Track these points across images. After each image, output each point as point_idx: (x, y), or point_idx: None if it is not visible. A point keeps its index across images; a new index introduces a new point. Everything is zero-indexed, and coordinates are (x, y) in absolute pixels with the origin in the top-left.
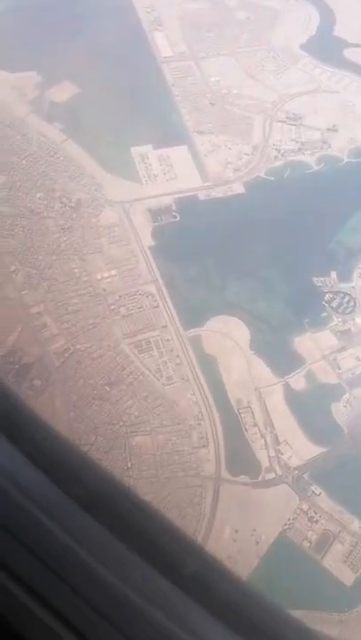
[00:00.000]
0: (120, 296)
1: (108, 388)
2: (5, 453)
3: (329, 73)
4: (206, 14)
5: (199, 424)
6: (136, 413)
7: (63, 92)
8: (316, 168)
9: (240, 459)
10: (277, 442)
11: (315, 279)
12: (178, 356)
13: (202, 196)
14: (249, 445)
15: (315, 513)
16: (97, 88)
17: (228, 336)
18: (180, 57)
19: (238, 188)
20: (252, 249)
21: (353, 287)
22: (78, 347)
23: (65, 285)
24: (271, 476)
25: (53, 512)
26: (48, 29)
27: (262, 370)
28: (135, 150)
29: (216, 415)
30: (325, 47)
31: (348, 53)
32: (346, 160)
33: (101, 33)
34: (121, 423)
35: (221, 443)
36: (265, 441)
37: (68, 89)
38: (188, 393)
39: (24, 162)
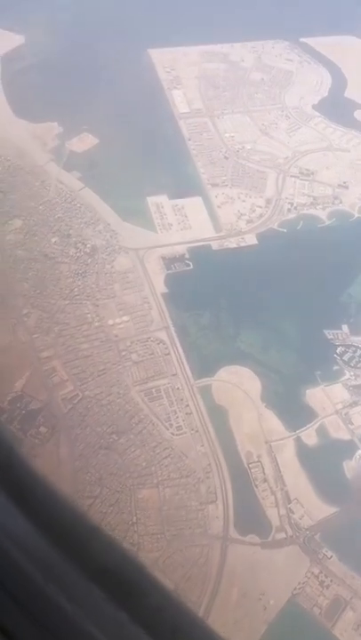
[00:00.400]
0: (131, 342)
1: (115, 437)
2: (6, 512)
3: (340, 132)
4: (223, 74)
5: (208, 477)
6: (144, 464)
7: (83, 143)
8: (327, 222)
9: (249, 516)
10: (288, 499)
11: (326, 331)
12: (188, 406)
13: (215, 245)
14: (259, 502)
15: (326, 577)
16: (116, 140)
17: (239, 386)
18: (196, 113)
19: (251, 240)
20: (264, 299)
21: None
22: (87, 393)
23: (76, 330)
24: (282, 536)
25: (54, 577)
26: (71, 84)
27: (273, 422)
28: (151, 200)
29: (225, 468)
30: (337, 108)
31: (359, 114)
32: (356, 215)
33: (122, 89)
34: (128, 475)
35: (230, 498)
36: (275, 498)
37: (88, 140)
38: (197, 444)
39: (41, 207)
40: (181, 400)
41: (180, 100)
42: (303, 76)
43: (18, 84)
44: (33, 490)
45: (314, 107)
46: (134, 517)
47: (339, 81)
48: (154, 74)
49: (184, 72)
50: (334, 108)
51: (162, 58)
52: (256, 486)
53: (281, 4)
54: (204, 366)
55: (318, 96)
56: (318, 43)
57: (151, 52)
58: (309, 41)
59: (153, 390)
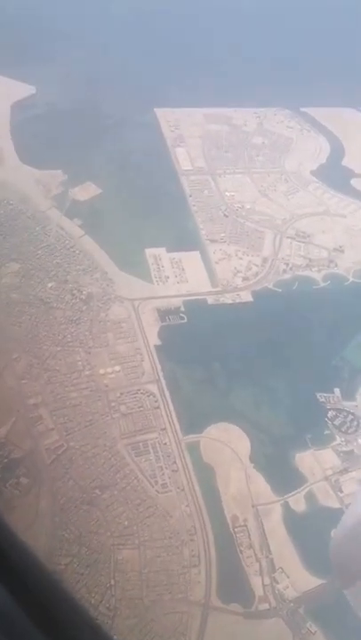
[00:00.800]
0: (121, 393)
1: (98, 492)
2: None
3: (337, 199)
4: (225, 136)
5: (192, 540)
6: (126, 523)
7: (85, 192)
8: (322, 284)
9: (232, 584)
10: (273, 568)
11: (318, 394)
12: (175, 462)
13: (210, 300)
14: (243, 569)
15: None
16: (118, 191)
17: (228, 445)
18: (198, 171)
19: (246, 297)
20: (257, 357)
21: (356, 406)
22: (72, 444)
23: (66, 378)
24: (265, 606)
25: None
26: (78, 135)
27: (261, 485)
28: (149, 252)
29: (210, 531)
30: (334, 175)
31: (355, 182)
32: (351, 280)
33: (127, 143)
34: (108, 533)
35: (214, 563)
36: (260, 566)
37: (91, 189)
38: (182, 504)
39: (40, 252)
40: (169, 456)
41: (183, 158)
42: (303, 143)
43: (26, 131)
44: (5, 551)
45: (312, 172)
46: (112, 580)
47: (337, 150)
48: (158, 131)
49: (188, 131)
50: (332, 175)
51: (167, 117)
52: (241, 552)
53: (284, 74)
54: (194, 422)
55: (317, 163)
56: (318, 113)
57: (157, 111)
58: (310, 110)
59: (140, 444)
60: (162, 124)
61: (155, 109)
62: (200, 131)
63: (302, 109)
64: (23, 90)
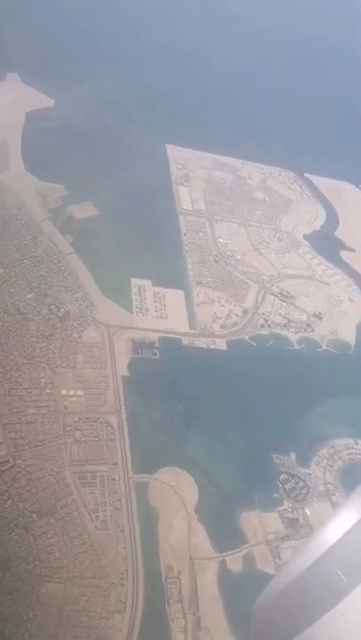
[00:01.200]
0: (79, 418)
1: (35, 517)
2: None
3: (324, 266)
4: (229, 185)
5: (121, 584)
6: (57, 554)
7: (83, 211)
8: (296, 347)
9: (155, 638)
10: (199, 627)
11: (274, 455)
12: (120, 500)
13: (185, 341)
14: (168, 624)
15: None
16: (115, 217)
17: (177, 492)
18: (197, 213)
19: (221, 344)
20: (221, 406)
21: (309, 474)
22: (19, 462)
23: (27, 392)
24: None
25: None
26: (86, 154)
27: (202, 539)
28: (135, 281)
29: (142, 578)
30: (326, 243)
31: (344, 255)
32: (324, 348)
33: (134, 172)
34: (37, 562)
35: (139, 613)
36: (186, 622)
37: (89, 210)
38: (119, 545)
39: (26, 261)
40: (115, 492)
41: (185, 197)
42: (301, 206)
43: (36, 141)
44: None
45: (305, 236)
46: (31, 612)
47: (332, 220)
48: (166, 166)
49: (194, 173)
50: (324, 243)
51: (177, 154)
52: (169, 605)
53: (296, 138)
54: (147, 462)
55: (311, 228)
56: (320, 182)
57: (168, 147)
58: (313, 178)
59: (88, 475)
60: (171, 161)
61: (167, 145)
62: (206, 174)
63: (306, 175)
64: (42, 101)
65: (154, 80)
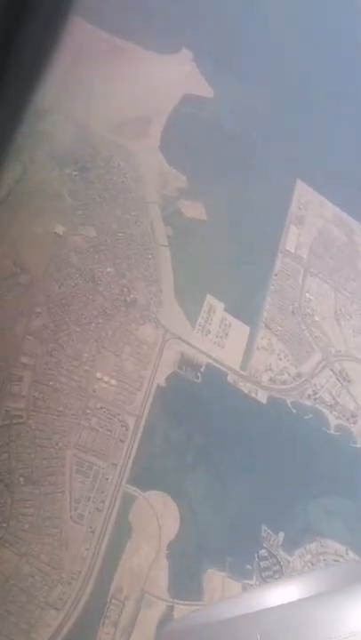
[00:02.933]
0: (102, 407)
1: (22, 481)
2: None
3: None
4: (339, 244)
5: (69, 583)
6: (26, 527)
7: (192, 210)
8: (332, 432)
9: None
10: None
11: (264, 526)
12: (103, 502)
13: (231, 378)
14: None
15: None
16: (220, 228)
17: (158, 518)
18: (296, 258)
19: (262, 397)
20: (237, 455)
21: (288, 561)
22: (31, 422)
23: (67, 360)
24: None
25: None
26: (219, 158)
27: (162, 576)
28: (210, 299)
29: (90, 587)
30: None
31: None
32: (357, 446)
33: (256, 193)
34: (4, 525)
35: (73, 619)
36: None
37: (198, 211)
38: (84, 544)
39: (120, 235)
40: (102, 492)
41: (293, 238)
42: None
43: (181, 125)
44: None
45: None
46: None
47: None
48: (288, 200)
49: (311, 218)
50: None
51: (303, 193)
52: (103, 624)
53: None
54: (144, 476)
55: None
56: None
57: (299, 183)
58: None
59: (86, 464)
60: (294, 197)
61: (298, 180)
62: (321, 224)
63: None
64: (202, 88)
65: (325, 112)
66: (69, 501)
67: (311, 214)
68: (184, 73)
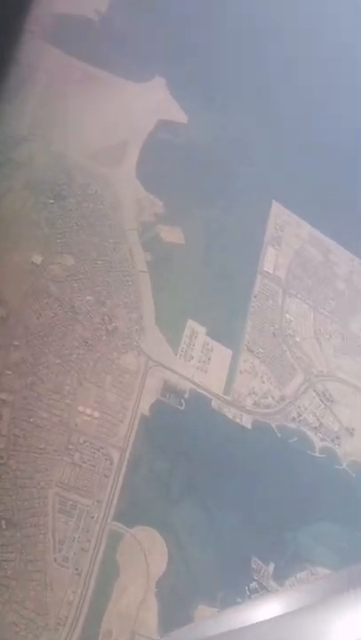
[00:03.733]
0: (85, 441)
1: (4, 525)
2: None
3: None
4: (316, 264)
5: (56, 629)
6: (9, 572)
7: (171, 235)
8: (317, 454)
9: None
10: None
11: (254, 558)
12: (89, 542)
13: (215, 404)
14: None
15: None
16: (198, 252)
17: (146, 556)
18: (275, 279)
19: (247, 421)
20: (224, 484)
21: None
22: (12, 462)
23: (47, 394)
24: None
25: None
26: (196, 181)
27: (151, 616)
28: (191, 323)
29: (78, 632)
30: None
31: None
32: (344, 467)
33: (233, 214)
34: None
35: None
36: None
37: (177, 235)
38: (70, 587)
39: (99, 262)
40: (87, 532)
41: (270, 259)
42: None
43: (156, 151)
44: None
45: None
46: None
47: None
48: (265, 222)
49: (288, 239)
50: None
51: (279, 214)
52: None
53: None
54: (130, 511)
55: None
56: None
57: (275, 204)
58: None
59: (69, 503)
60: (271, 218)
61: (273, 201)
62: (298, 245)
63: None
64: (177, 114)
65: (297, 135)
66: (53, 543)
67: (288, 235)
68: (158, 99)
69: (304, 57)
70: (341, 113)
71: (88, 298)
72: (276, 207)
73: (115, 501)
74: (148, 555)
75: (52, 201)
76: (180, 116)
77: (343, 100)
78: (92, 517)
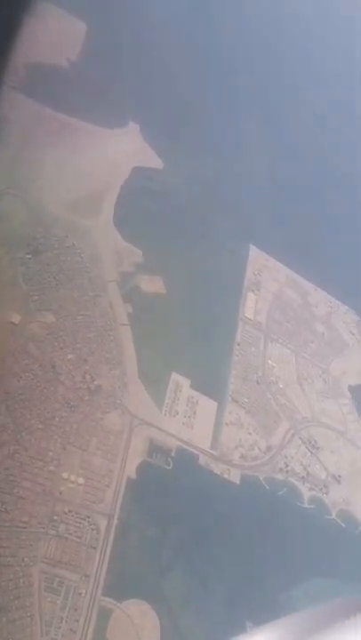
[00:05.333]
0: (70, 510)
1: None
2: None
3: (358, 425)
4: (295, 307)
5: None
6: None
7: (151, 285)
8: (306, 505)
9: None
10: None
11: (248, 623)
12: (77, 621)
13: (202, 460)
14: None
15: None
16: (180, 301)
17: (137, 631)
18: (256, 325)
19: (235, 477)
20: (214, 545)
21: None
22: None
23: (30, 462)
24: None
25: None
26: (174, 229)
27: None
28: (175, 376)
29: None
30: None
31: None
32: (333, 517)
33: (212, 261)
34: None
35: None
36: None
37: (157, 285)
38: None
39: (80, 318)
40: (75, 610)
41: (251, 305)
42: (354, 354)
43: (133, 199)
44: None
45: (350, 388)
46: None
47: None
48: (243, 266)
49: (266, 283)
50: None
51: (257, 259)
52: None
53: None
54: (120, 584)
55: (358, 380)
56: None
57: (252, 248)
58: None
59: (56, 580)
60: (249, 263)
61: (251, 245)
62: (277, 288)
63: None
64: (152, 160)
65: (272, 179)
66: (40, 625)
67: (266, 278)
68: (133, 146)
69: (275, 100)
70: (314, 154)
71: (69, 356)
72: (253, 251)
73: (103, 574)
74: (139, 630)
75: (29, 256)
76: (156, 162)
77: (316, 141)
78: (80, 594)
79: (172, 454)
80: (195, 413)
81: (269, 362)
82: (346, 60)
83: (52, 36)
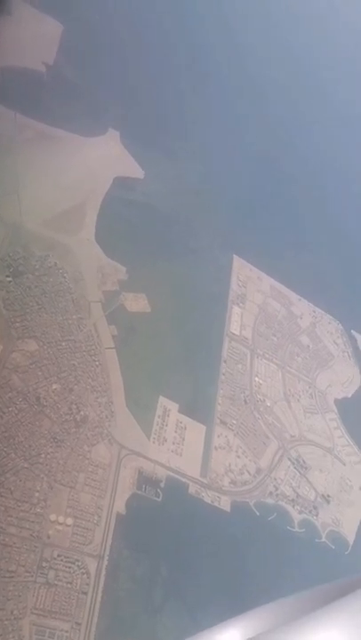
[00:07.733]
0: (59, 555)
1: None
2: None
3: (345, 441)
4: (280, 319)
5: None
6: None
7: (135, 304)
8: (296, 529)
9: None
10: None
11: None
12: None
13: (192, 489)
14: None
15: None
16: (165, 320)
17: None
18: (242, 340)
19: (226, 504)
20: (206, 578)
21: None
22: None
23: (16, 505)
24: None
25: None
26: (158, 241)
27: None
28: (162, 401)
29: None
30: (353, 414)
31: None
32: (323, 539)
33: (196, 275)
34: None
35: None
36: None
37: (141, 303)
38: None
39: (64, 344)
40: None
41: (236, 320)
42: (340, 365)
43: (115, 211)
44: None
45: (336, 401)
46: None
47: None
48: (228, 278)
49: (251, 295)
50: (351, 413)
51: (241, 269)
52: None
53: (358, 294)
54: (112, 629)
55: (343, 393)
56: None
57: (235, 259)
58: (359, 337)
59: (47, 632)
60: (233, 274)
61: (234, 255)
62: (261, 300)
63: (353, 332)
64: (133, 169)
65: (253, 186)
66: None
67: (251, 290)
68: (113, 155)
69: (256, 108)
70: (296, 166)
71: (54, 386)
72: (237, 261)
73: (95, 620)
74: None
75: (9, 279)
76: (137, 171)
77: (298, 151)
78: None
79: (162, 485)
80: (183, 440)
81: (256, 379)
82: (329, 57)
83: (26, 37)
